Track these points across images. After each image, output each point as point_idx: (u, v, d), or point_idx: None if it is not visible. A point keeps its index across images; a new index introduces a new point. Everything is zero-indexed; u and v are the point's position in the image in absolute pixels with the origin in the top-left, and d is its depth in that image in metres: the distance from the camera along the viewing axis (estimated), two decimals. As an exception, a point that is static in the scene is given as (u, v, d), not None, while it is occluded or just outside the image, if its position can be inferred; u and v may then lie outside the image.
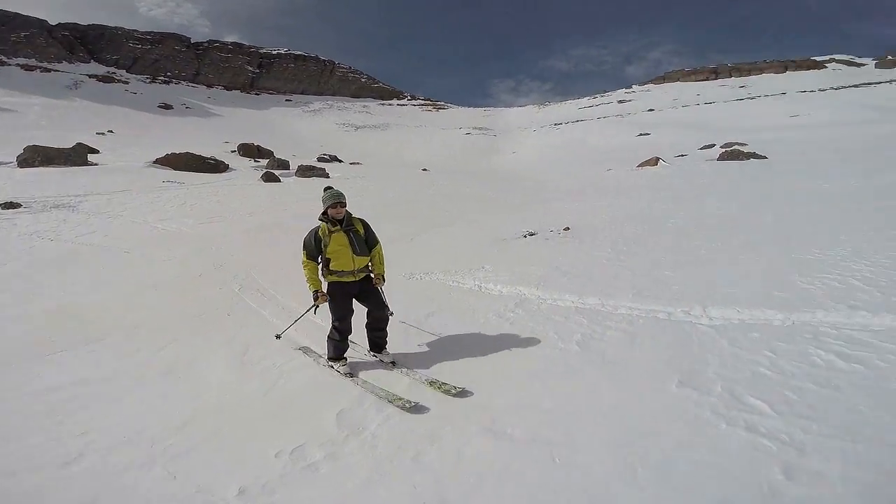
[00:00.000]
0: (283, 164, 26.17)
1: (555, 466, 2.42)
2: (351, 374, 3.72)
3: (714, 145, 26.54)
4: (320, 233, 3.81)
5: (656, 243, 7.08)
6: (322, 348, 4.06)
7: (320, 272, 3.88)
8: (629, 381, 3.21)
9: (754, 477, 2.18)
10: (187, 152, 23.43)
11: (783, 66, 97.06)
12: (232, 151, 32.31)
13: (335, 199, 3.80)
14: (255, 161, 29.27)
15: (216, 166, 23.29)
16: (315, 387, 3.62)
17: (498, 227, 9.64)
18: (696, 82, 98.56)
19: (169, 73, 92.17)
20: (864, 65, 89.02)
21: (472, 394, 3.26)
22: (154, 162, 22.46)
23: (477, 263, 6.85)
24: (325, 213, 3.89)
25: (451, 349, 4.08)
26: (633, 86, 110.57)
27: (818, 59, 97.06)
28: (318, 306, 3.96)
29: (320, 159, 34.30)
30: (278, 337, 4.35)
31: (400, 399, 3.23)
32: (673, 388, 3.03)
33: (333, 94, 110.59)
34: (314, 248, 3.82)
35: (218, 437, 3.02)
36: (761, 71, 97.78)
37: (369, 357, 4.06)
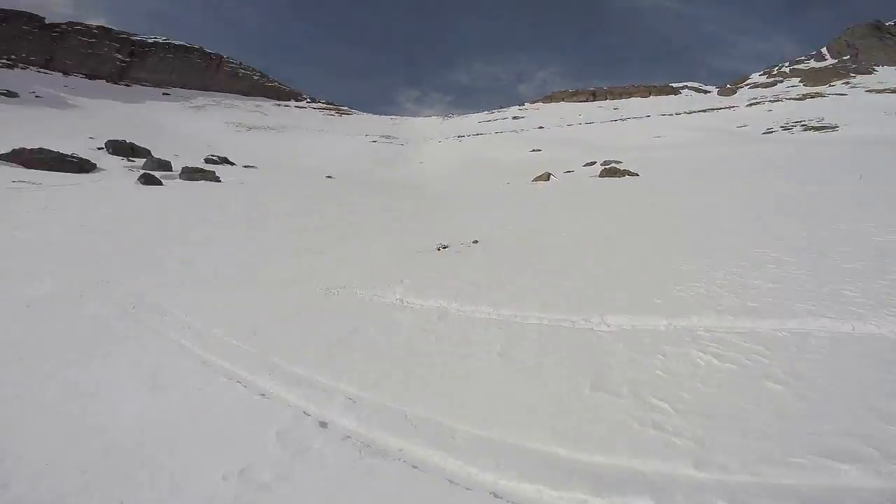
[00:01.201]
0: (164, 165, 23.69)
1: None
2: None
3: (595, 162, 29.53)
4: None
5: (553, 255, 7.76)
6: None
7: None
8: (548, 386, 3.53)
9: (671, 468, 2.57)
10: (42, 148, 20.11)
11: (648, 91, 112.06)
12: (99, 149, 28.36)
13: None
14: (129, 160, 26.04)
15: (80, 166, 20.30)
16: (245, 408, 3.56)
17: (411, 240, 9.90)
18: (578, 103, 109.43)
19: (13, 57, 77.45)
20: (709, 92, 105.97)
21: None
22: (-2, 158, 18.93)
23: (395, 277, 7.04)
24: None
25: (381, 363, 4.23)
26: (526, 103, 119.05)
27: (675, 85, 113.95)
28: None
29: (208, 161, 31.57)
30: None
31: None
32: (587, 392, 3.39)
33: (221, 91, 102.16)
34: None
35: (152, 465, 2.89)
36: (630, 95, 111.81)
37: None
